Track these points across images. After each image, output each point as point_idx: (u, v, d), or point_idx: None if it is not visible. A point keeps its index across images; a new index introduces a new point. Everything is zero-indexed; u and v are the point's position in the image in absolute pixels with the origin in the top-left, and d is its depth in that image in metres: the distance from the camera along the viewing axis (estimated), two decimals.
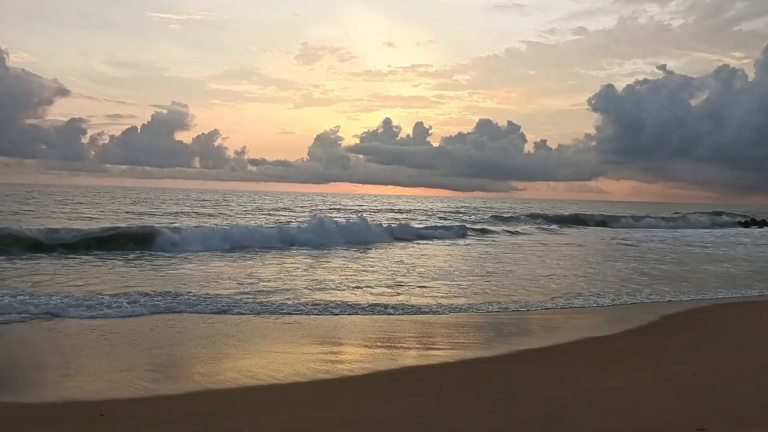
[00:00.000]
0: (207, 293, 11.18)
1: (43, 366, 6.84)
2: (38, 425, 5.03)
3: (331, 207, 62.05)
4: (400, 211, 57.66)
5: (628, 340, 8.87)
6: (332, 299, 11.12)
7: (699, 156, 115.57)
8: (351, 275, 14.72)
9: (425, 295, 12.13)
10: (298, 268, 15.86)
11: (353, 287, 12.75)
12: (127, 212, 39.09)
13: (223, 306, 10.11)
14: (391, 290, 12.58)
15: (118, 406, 5.53)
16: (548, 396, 5.90)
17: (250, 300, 10.75)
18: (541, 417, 5.24)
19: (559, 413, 5.32)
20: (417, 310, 10.51)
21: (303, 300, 10.97)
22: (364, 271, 15.76)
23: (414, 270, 16.15)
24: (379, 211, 57.69)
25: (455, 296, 12.03)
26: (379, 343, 8.21)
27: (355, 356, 7.60)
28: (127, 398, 5.75)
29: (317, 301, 10.86)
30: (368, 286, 12.94)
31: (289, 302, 10.67)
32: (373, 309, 10.41)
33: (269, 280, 13.28)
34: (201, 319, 9.27)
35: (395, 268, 16.38)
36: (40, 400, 5.64)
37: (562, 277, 15.47)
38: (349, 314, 9.97)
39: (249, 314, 9.68)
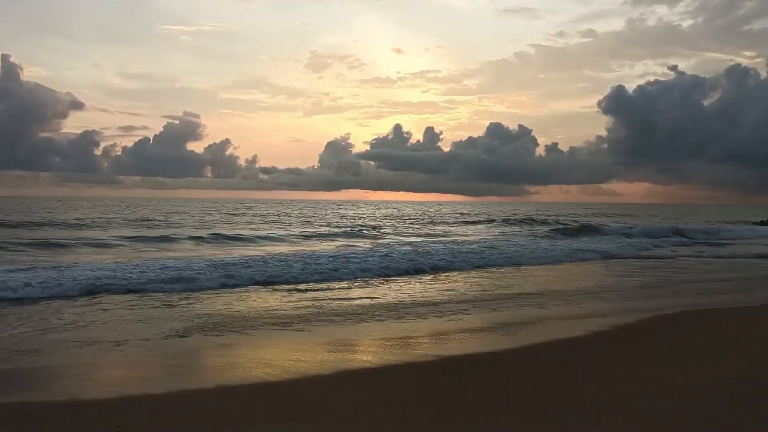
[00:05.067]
0: None
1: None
2: None
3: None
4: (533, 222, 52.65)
5: (629, 342, 8.85)
6: None
7: (713, 156, 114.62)
8: None
9: None
10: None
11: None
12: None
13: None
14: None
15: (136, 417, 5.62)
16: (560, 401, 5.90)
17: None
18: (554, 423, 5.26)
19: (576, 420, 5.33)
20: None
21: None
22: None
23: None
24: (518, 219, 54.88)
25: None
26: None
27: None
28: (144, 409, 5.83)
29: None
30: None
31: None
32: None
33: None
34: None
35: None
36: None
37: None
38: None
39: None
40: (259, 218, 52.75)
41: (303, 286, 14.20)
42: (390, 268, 17.28)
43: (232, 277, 14.54)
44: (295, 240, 30.12)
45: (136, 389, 6.44)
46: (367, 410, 5.81)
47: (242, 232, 33.20)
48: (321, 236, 32.78)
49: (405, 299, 12.65)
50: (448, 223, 49.90)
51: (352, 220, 53.52)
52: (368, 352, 8.34)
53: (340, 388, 6.59)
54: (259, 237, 30.43)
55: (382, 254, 19.69)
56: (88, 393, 6.33)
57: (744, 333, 9.52)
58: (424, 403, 6.05)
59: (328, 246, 26.46)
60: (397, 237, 33.83)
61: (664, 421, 5.24)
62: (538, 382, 6.76)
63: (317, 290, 13.75)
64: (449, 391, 6.49)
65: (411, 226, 46.42)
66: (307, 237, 31.95)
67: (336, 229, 38.40)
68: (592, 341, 8.95)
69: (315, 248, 24.65)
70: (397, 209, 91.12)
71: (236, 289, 13.58)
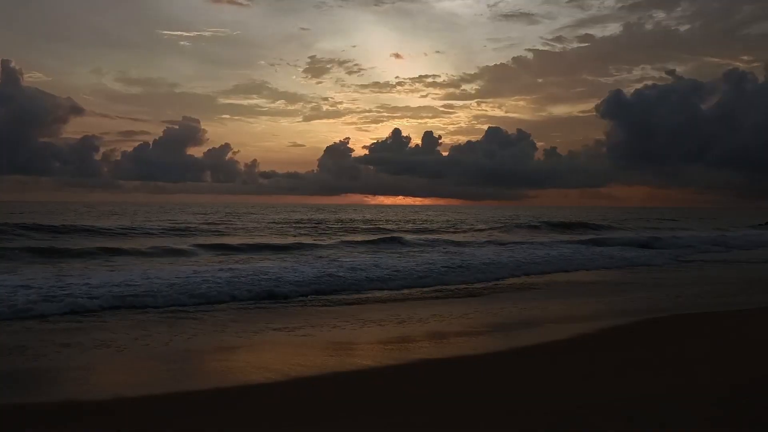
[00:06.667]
0: None
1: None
2: None
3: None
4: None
5: (624, 344, 8.87)
6: None
7: (711, 160, 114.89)
8: None
9: None
10: None
11: None
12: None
13: None
14: None
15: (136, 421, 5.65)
16: (556, 403, 5.92)
17: None
18: (549, 426, 5.27)
19: (572, 423, 5.35)
20: None
21: None
22: None
23: None
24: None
25: None
26: None
27: None
28: (144, 412, 5.85)
29: None
30: None
31: None
32: None
33: None
34: None
35: None
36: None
37: None
38: None
39: None
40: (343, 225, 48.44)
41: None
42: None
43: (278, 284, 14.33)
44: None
45: (135, 392, 6.47)
46: (365, 413, 5.84)
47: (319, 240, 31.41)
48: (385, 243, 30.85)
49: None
50: (475, 230, 47.48)
51: (381, 224, 51.00)
52: (368, 356, 8.41)
53: (339, 391, 6.62)
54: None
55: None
56: (87, 395, 6.37)
57: (741, 336, 9.55)
58: (422, 405, 6.08)
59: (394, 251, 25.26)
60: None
61: (659, 425, 5.26)
62: (535, 385, 6.79)
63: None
64: (448, 393, 6.52)
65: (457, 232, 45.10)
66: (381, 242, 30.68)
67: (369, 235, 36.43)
68: (588, 343, 8.99)
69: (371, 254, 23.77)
70: (414, 214, 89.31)
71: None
